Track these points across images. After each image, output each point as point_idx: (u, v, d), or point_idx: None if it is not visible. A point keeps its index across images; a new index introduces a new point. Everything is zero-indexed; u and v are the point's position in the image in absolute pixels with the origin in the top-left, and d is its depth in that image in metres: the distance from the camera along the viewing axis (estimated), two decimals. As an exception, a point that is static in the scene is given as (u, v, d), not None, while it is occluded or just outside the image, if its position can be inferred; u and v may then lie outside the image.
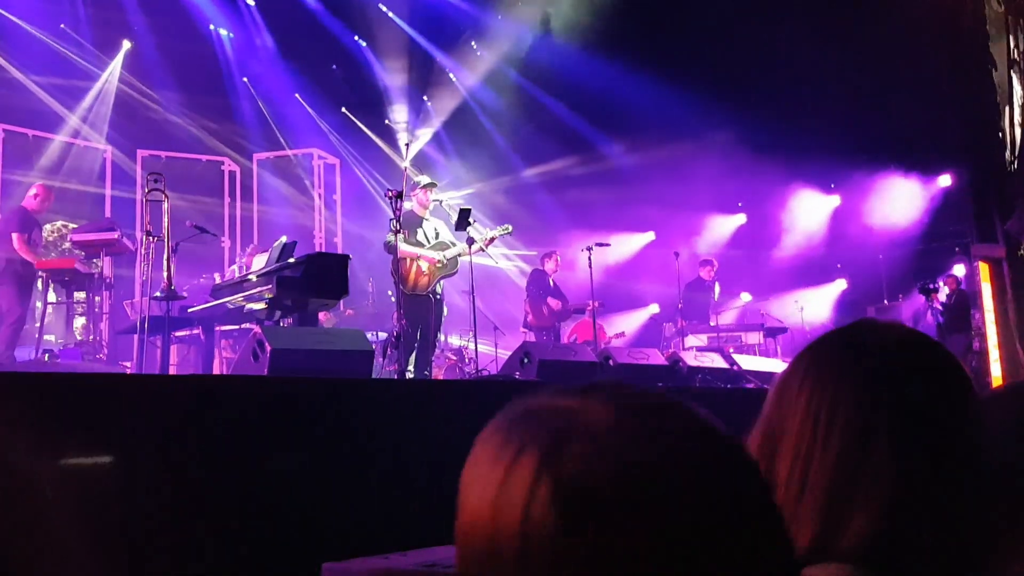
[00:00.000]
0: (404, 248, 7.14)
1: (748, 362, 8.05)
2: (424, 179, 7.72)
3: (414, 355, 7.05)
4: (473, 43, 13.33)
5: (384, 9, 12.80)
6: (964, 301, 10.77)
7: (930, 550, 0.92)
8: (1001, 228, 10.81)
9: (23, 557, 2.62)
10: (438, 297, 7.46)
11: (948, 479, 0.95)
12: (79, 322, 8.56)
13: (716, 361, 7.60)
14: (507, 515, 0.61)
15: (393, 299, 7.87)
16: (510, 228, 7.97)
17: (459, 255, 7.42)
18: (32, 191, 8.18)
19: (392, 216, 6.88)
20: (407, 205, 7.25)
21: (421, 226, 7.46)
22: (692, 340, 9.98)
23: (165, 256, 5.91)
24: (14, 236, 7.67)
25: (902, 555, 0.92)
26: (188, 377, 6.42)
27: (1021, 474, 1.09)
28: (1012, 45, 10.39)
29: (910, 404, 0.97)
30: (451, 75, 13.63)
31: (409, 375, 6.52)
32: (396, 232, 6.68)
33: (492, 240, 7.64)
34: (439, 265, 7.36)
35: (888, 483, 0.93)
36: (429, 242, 7.42)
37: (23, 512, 2.71)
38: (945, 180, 12.97)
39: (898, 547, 0.92)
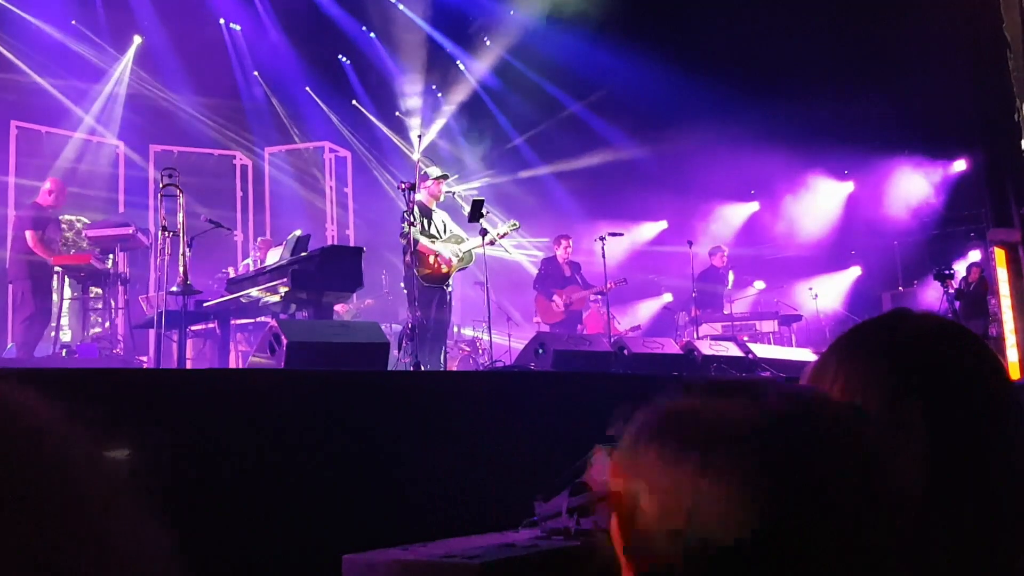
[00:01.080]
0: (423, 243, 7.15)
1: (763, 350, 8.01)
2: (436, 171, 7.72)
3: (428, 347, 7.07)
4: (483, 34, 13.29)
5: (394, 1, 12.78)
6: (982, 287, 10.71)
7: (966, 539, 0.92)
8: (1017, 212, 10.73)
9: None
10: (450, 289, 7.48)
11: (984, 469, 0.94)
12: (95, 317, 8.60)
13: (730, 350, 7.57)
14: (707, 524, 0.65)
15: (406, 291, 7.89)
16: (517, 224, 7.93)
17: (474, 248, 7.44)
18: (46, 185, 8.17)
19: (405, 208, 6.90)
20: (417, 196, 7.26)
21: (431, 217, 7.48)
22: (706, 329, 9.95)
23: (180, 251, 5.93)
24: (28, 234, 7.66)
25: (937, 544, 0.91)
26: (204, 371, 6.45)
27: None
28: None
29: (944, 395, 0.96)
30: (461, 65, 13.61)
31: (424, 367, 6.53)
32: (411, 224, 6.69)
33: (503, 235, 7.65)
34: (458, 258, 7.38)
35: (923, 474, 0.93)
36: (441, 235, 7.43)
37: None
38: (960, 165, 12.88)
39: (933, 536, 0.91)
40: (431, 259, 7.27)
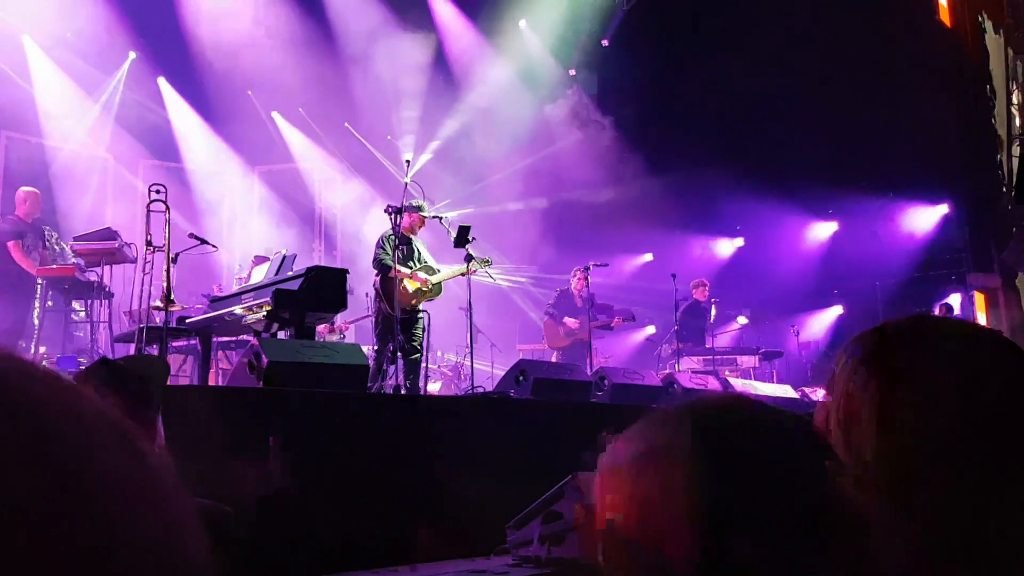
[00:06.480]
0: (400, 268, 7.15)
1: (743, 386, 8.06)
2: (420, 204, 7.64)
3: (397, 370, 6.96)
4: (478, 61, 13.40)
5: (389, 24, 12.86)
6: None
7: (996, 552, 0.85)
8: (997, 257, 10.87)
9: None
10: (421, 316, 7.39)
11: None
12: (77, 330, 8.56)
13: (711, 384, 7.61)
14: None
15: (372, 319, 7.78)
16: (489, 261, 7.73)
17: (443, 280, 7.47)
18: (20, 195, 8.15)
19: (391, 232, 6.92)
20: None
21: (409, 245, 7.46)
22: (688, 362, 10.00)
23: (165, 266, 5.94)
24: (9, 244, 7.65)
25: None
26: (184, 388, 6.43)
27: None
28: (1011, 77, 10.48)
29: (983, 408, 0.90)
30: (455, 91, 13.69)
31: (403, 391, 6.52)
32: (396, 247, 6.70)
33: (475, 272, 7.49)
34: (425, 289, 7.36)
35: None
36: (416, 264, 7.42)
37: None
38: (942, 209, 13.03)
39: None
40: (400, 286, 7.22)
